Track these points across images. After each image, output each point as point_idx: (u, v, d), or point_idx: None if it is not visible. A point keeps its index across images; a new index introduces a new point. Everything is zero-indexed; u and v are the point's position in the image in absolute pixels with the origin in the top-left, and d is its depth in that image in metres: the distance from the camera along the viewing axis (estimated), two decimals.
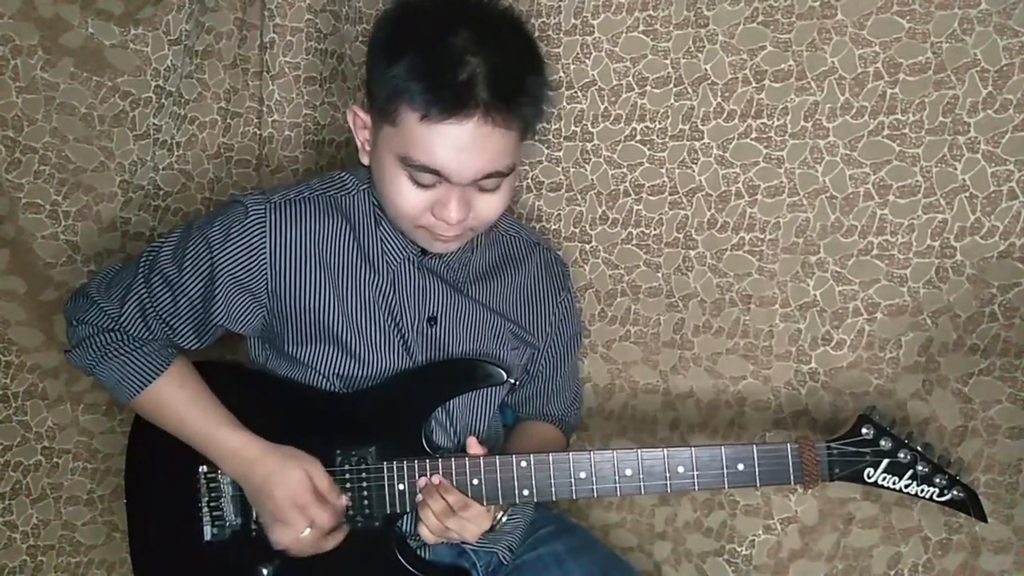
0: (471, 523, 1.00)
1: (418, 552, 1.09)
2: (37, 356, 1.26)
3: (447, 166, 0.93)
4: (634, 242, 1.29)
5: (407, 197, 0.97)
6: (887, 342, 1.18)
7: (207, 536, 1.08)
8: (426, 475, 1.02)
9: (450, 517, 0.99)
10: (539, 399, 1.25)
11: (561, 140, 1.31)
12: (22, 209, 1.22)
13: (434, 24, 0.92)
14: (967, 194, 1.12)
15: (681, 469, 0.99)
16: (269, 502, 1.02)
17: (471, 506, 1.00)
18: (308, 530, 1.01)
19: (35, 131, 1.22)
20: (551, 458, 1.00)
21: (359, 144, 1.03)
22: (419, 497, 1.01)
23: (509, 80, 0.92)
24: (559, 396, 1.27)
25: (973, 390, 1.14)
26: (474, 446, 1.02)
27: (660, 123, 1.25)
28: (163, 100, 1.30)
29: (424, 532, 1.01)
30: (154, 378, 1.04)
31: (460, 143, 0.91)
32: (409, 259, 1.07)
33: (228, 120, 1.37)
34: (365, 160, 1.03)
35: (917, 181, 1.14)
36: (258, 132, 1.39)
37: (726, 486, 0.98)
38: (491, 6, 0.97)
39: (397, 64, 0.91)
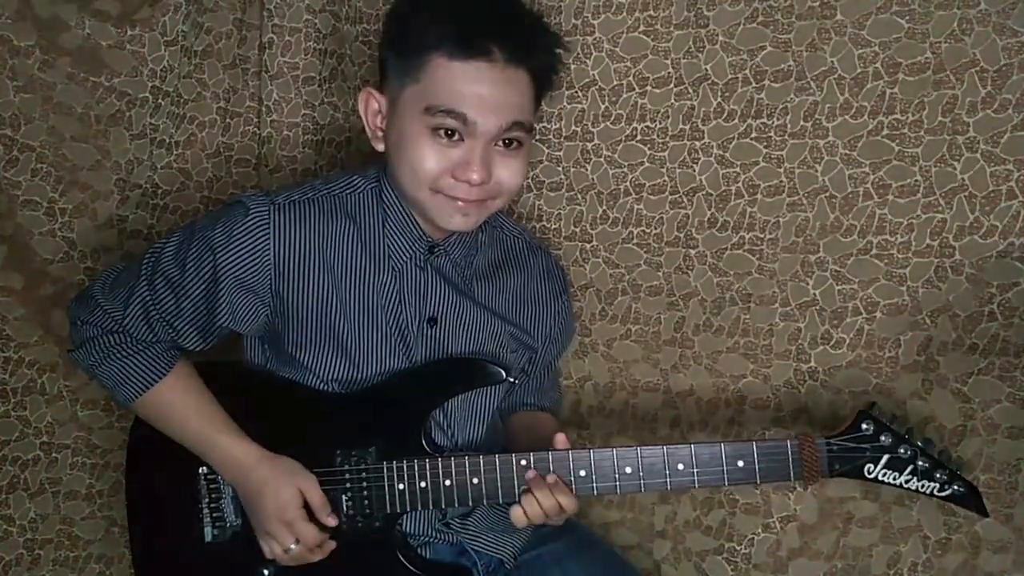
0: (567, 512, 1.00)
1: (419, 552, 1.09)
2: (35, 351, 1.26)
3: (472, 107, 0.95)
4: (635, 241, 1.29)
5: (429, 158, 0.97)
6: (886, 341, 1.18)
7: (208, 537, 1.08)
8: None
9: (558, 514, 0.99)
10: (534, 395, 1.25)
11: (562, 140, 1.31)
12: (20, 206, 1.23)
13: None
14: (966, 194, 1.12)
15: (681, 466, 0.98)
16: (260, 512, 1.02)
17: (575, 504, 1.00)
18: (294, 546, 1.01)
19: (32, 129, 1.22)
20: (551, 456, 0.99)
21: (370, 131, 1.04)
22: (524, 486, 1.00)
23: (528, 24, 1.00)
24: (553, 389, 1.29)
25: (972, 389, 1.14)
26: (562, 441, 1.00)
27: (660, 123, 1.25)
28: (160, 100, 1.30)
29: (518, 516, 0.99)
30: (156, 380, 1.04)
31: (484, 86, 0.95)
32: (414, 258, 1.06)
33: (227, 120, 1.37)
34: (380, 146, 1.04)
35: (916, 181, 1.14)
36: (257, 132, 1.39)
37: (726, 483, 0.98)
38: None
39: (422, 18, 0.97)
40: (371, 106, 1.04)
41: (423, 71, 0.96)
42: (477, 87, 0.95)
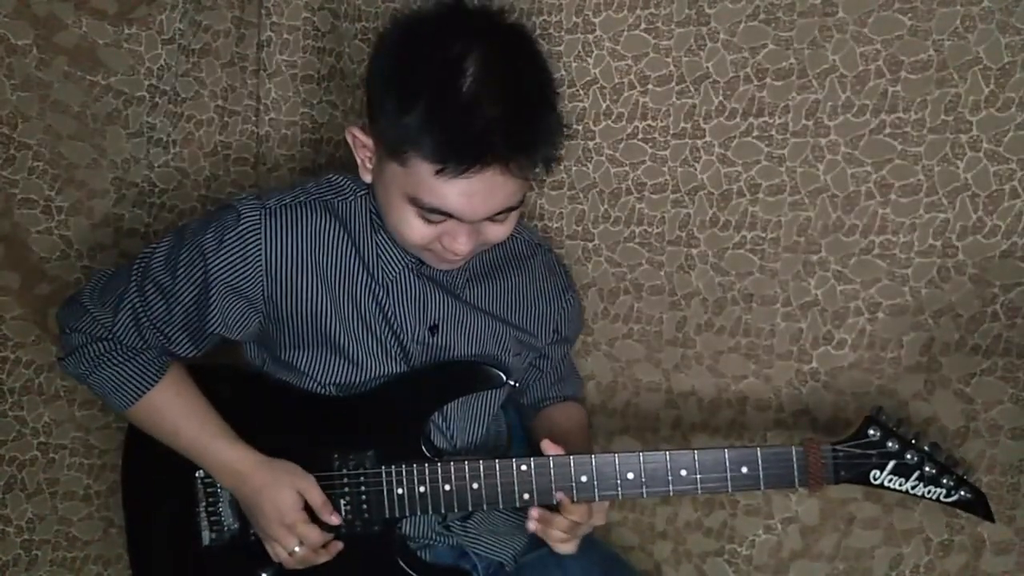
0: (584, 524, 1.00)
1: (419, 554, 1.09)
2: (32, 351, 1.26)
3: (459, 210, 0.91)
4: (636, 240, 1.28)
5: (414, 229, 0.94)
6: (888, 342, 1.17)
7: (205, 541, 1.08)
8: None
9: (580, 527, 0.99)
10: (555, 387, 1.25)
11: (563, 138, 1.30)
12: (16, 205, 1.22)
13: (441, 63, 0.87)
14: (969, 193, 1.11)
15: (684, 472, 0.97)
16: (260, 517, 1.02)
17: (587, 511, 0.99)
18: (298, 548, 1.00)
19: (29, 128, 1.21)
20: (551, 461, 0.98)
21: (359, 161, 1.00)
22: (534, 526, 0.99)
23: (525, 127, 0.89)
24: (572, 376, 1.28)
25: (975, 390, 1.14)
26: (548, 447, 0.99)
27: (662, 121, 1.24)
28: (157, 99, 1.30)
29: (561, 547, 1.00)
30: (149, 388, 1.03)
31: (474, 190, 0.89)
32: (408, 267, 1.05)
33: (225, 118, 1.36)
34: (367, 178, 1.00)
35: (919, 180, 1.13)
36: (255, 130, 1.38)
37: (729, 489, 0.97)
38: (499, 26, 0.94)
39: (407, 113, 0.86)
40: (358, 142, 0.98)
41: (408, 162, 0.89)
42: (465, 196, 0.89)
